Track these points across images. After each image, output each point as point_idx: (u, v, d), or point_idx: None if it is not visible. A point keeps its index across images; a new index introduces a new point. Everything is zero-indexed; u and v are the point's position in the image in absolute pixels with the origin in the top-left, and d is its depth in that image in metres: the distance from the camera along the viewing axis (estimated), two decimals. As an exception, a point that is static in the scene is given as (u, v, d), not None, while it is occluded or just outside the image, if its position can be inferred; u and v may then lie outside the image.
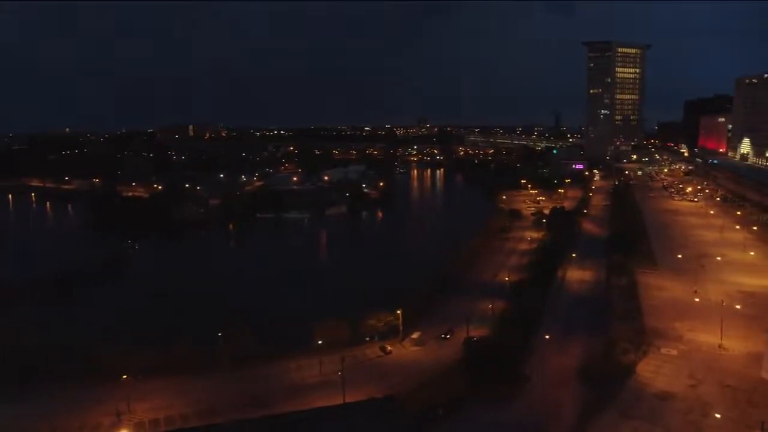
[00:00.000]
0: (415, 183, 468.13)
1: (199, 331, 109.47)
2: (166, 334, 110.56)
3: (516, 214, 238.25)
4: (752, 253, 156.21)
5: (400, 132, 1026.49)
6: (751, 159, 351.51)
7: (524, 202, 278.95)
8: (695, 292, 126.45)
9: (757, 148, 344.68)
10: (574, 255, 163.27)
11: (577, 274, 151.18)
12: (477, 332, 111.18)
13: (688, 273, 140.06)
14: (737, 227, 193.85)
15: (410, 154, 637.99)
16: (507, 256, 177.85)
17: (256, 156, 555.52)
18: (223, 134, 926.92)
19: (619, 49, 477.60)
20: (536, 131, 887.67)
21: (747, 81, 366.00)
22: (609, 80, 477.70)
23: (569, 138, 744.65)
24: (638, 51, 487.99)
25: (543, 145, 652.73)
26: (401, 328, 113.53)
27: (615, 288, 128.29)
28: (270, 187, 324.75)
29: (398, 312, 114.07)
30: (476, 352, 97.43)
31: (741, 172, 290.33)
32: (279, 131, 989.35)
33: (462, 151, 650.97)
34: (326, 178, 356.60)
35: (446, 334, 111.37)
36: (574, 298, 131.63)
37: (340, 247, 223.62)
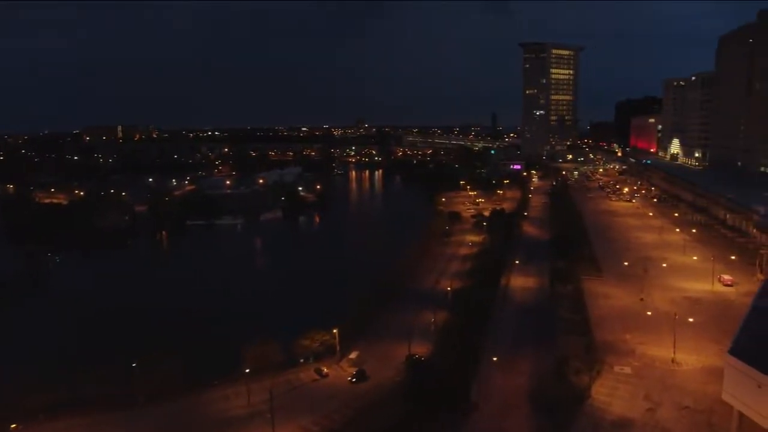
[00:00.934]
0: (354, 185, 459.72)
1: (113, 359, 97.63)
2: (76, 363, 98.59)
3: (456, 217, 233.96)
4: (695, 258, 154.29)
5: (338, 133, 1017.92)
6: (681, 159, 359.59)
7: (463, 203, 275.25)
8: (641, 299, 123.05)
9: (686, 148, 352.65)
10: (517, 262, 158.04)
11: (520, 281, 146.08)
12: (420, 348, 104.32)
13: (632, 279, 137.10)
14: (675, 229, 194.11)
15: (348, 155, 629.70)
16: (448, 262, 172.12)
17: (189, 158, 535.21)
18: (155, 135, 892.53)
19: (554, 51, 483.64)
20: (473, 131, 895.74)
21: (675, 83, 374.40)
22: (544, 81, 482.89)
23: (505, 138, 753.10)
24: (571, 53, 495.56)
25: (480, 145, 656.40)
26: (338, 347, 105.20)
27: (560, 297, 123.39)
28: (202, 192, 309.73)
29: (334, 331, 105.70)
30: (418, 375, 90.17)
31: (673, 172, 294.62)
32: (214, 132, 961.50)
33: (400, 151, 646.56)
34: (261, 181, 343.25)
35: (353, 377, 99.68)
36: (519, 308, 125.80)
37: (275, 256, 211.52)
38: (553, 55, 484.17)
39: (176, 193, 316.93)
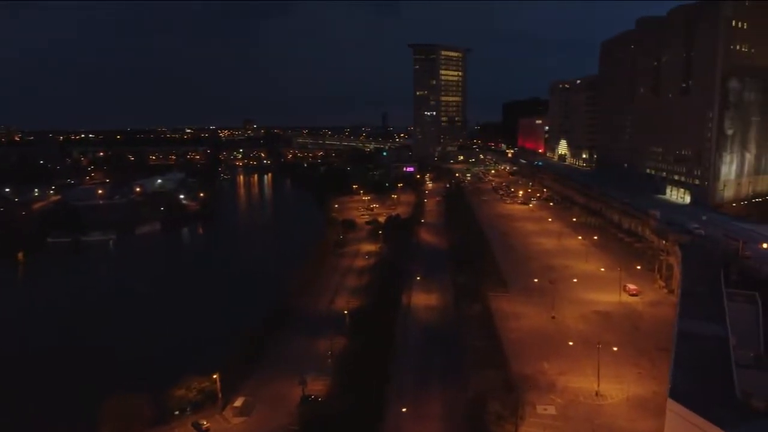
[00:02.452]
0: (242, 190, 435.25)
1: None
2: None
3: (350, 225, 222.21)
4: (597, 266, 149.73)
5: (225, 134, 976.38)
6: (569, 159, 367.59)
7: (357, 209, 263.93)
8: (553, 317, 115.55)
9: (574, 149, 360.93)
10: (418, 278, 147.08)
11: (422, 298, 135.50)
12: (316, 386, 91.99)
13: (539, 293, 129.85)
14: (573, 233, 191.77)
15: (236, 158, 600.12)
16: (343, 277, 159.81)
17: (57, 164, 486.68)
18: (17, 138, 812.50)
19: (443, 52, 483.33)
20: (364, 132, 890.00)
21: (561, 86, 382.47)
22: (434, 82, 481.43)
23: (396, 138, 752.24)
24: (460, 54, 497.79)
25: (372, 146, 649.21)
26: (220, 394, 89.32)
27: (468, 319, 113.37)
28: (68, 203, 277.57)
29: (214, 376, 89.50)
30: (314, 422, 77.02)
31: (564, 174, 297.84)
32: (88, 135, 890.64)
33: (290, 154, 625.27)
34: (138, 189, 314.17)
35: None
36: (424, 333, 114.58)
37: (146, 280, 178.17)
38: (443, 57, 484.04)
39: (37, 205, 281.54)
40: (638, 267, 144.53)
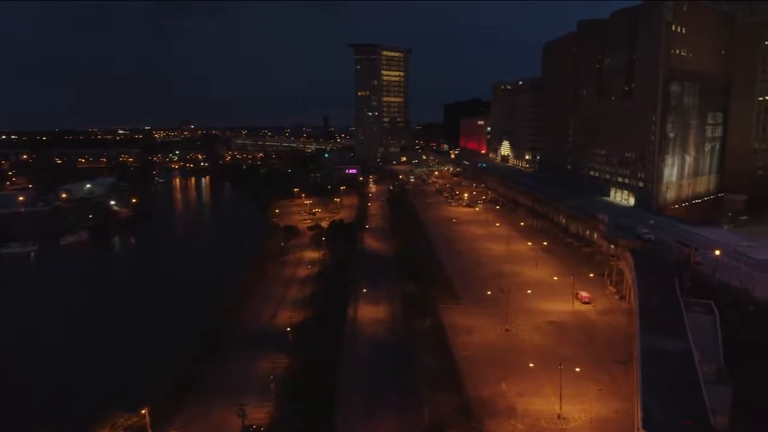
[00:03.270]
0: (178, 195, 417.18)
1: None
2: None
3: (292, 231, 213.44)
4: (554, 278, 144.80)
5: (160, 136, 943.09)
6: (512, 161, 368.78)
7: (299, 213, 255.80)
8: (507, 330, 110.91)
9: (517, 150, 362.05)
10: (365, 290, 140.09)
11: (369, 311, 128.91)
12: (258, 413, 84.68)
13: (491, 303, 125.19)
14: (521, 237, 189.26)
15: (171, 161, 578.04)
16: (286, 287, 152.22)
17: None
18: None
19: (384, 53, 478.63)
20: (306, 132, 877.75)
21: (502, 87, 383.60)
22: (376, 83, 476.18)
23: (338, 139, 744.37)
24: (401, 55, 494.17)
25: (314, 147, 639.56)
26: (150, 430, 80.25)
27: (418, 334, 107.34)
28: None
29: (143, 411, 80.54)
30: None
31: (509, 176, 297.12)
32: (10, 136, 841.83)
33: (229, 156, 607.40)
34: (64, 195, 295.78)
35: None
36: (372, 350, 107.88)
37: (69, 296, 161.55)
38: (384, 57, 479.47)
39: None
40: (591, 275, 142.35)
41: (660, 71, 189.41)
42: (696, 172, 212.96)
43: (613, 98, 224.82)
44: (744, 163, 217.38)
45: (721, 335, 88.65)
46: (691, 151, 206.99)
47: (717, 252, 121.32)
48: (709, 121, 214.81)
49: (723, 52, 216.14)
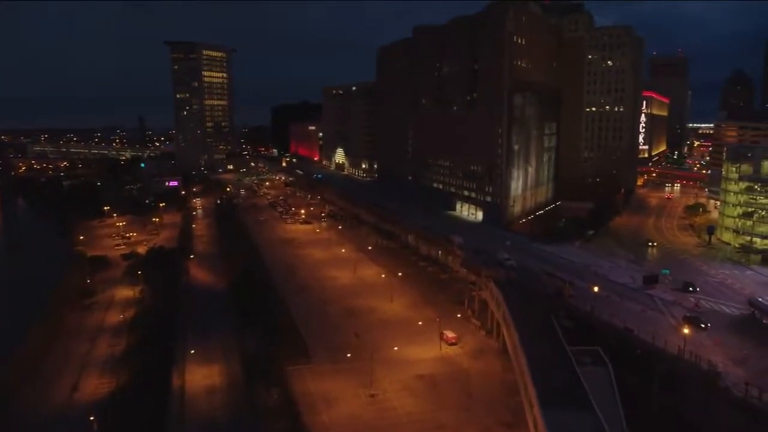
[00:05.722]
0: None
1: None
2: None
3: (101, 262, 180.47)
4: (414, 315, 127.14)
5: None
6: (348, 169, 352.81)
7: (111, 236, 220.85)
8: (372, 396, 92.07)
9: (352, 158, 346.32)
10: (192, 351, 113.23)
11: (201, 376, 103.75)
12: None
13: (347, 357, 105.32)
14: (368, 260, 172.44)
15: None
16: (93, 342, 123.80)
17: None
18: None
19: (205, 52, 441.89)
20: (119, 134, 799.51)
21: (334, 91, 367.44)
22: (196, 84, 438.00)
23: (156, 143, 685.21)
24: (224, 54, 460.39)
25: (128, 153, 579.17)
26: None
27: (265, 414, 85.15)
28: None
29: None
30: None
31: (347, 187, 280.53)
32: None
33: (24, 165, 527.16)
34: None
35: None
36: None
37: None
38: (205, 57, 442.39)
39: None
40: (458, 315, 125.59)
41: (505, 82, 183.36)
42: (537, 183, 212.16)
43: (454, 108, 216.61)
44: (576, 172, 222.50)
45: (617, 390, 77.47)
46: (533, 161, 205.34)
47: (596, 289, 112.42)
48: (546, 131, 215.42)
49: (554, 64, 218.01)
